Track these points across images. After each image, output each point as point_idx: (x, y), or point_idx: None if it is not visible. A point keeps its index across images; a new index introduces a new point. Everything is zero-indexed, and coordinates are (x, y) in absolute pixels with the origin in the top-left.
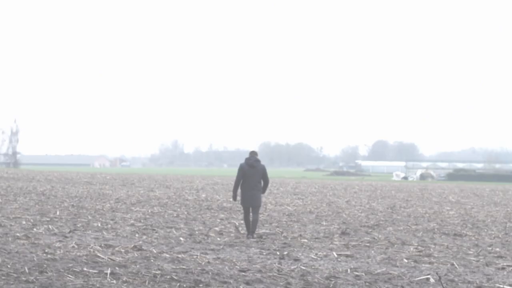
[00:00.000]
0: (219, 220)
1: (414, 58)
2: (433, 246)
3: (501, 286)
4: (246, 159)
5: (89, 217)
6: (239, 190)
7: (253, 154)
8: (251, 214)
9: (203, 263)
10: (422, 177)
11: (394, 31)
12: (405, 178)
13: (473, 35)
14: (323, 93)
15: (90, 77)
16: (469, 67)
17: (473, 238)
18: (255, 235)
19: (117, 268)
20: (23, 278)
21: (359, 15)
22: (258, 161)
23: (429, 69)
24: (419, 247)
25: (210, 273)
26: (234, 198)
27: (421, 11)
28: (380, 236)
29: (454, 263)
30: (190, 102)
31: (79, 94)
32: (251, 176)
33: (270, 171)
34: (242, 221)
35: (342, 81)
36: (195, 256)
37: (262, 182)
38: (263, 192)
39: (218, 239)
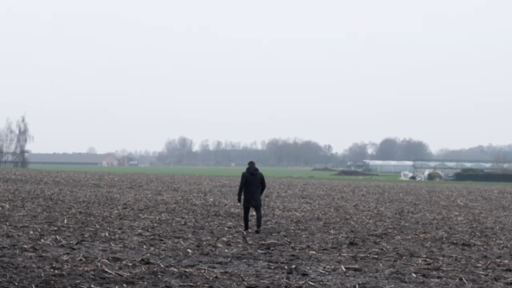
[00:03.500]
0: (226, 229)
1: (421, 56)
2: (441, 258)
3: None
4: (247, 168)
5: (97, 226)
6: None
7: (252, 164)
8: (253, 213)
9: (210, 278)
10: (430, 177)
11: (400, 29)
12: (413, 178)
13: (482, 33)
14: (331, 92)
15: (98, 75)
16: (477, 66)
17: (481, 248)
18: (260, 227)
19: (124, 285)
20: None
21: (367, 12)
22: (257, 169)
23: (437, 68)
24: (428, 259)
25: None
26: (239, 200)
27: (431, 8)
28: (388, 246)
29: (463, 277)
30: (197, 100)
31: (86, 93)
32: (252, 182)
33: (278, 170)
34: (250, 230)
35: (350, 80)
36: (202, 270)
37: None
38: (260, 194)
39: (226, 250)
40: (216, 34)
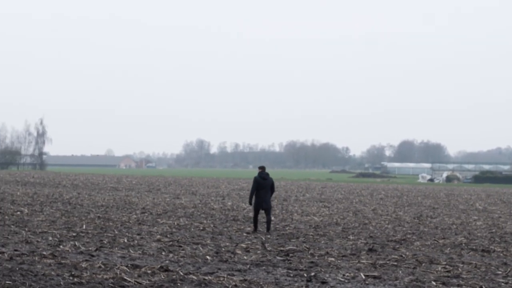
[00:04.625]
0: (245, 235)
1: (439, 57)
2: (461, 265)
3: None
4: (259, 173)
5: (115, 231)
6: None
7: (262, 169)
8: (264, 216)
9: (230, 286)
10: (448, 179)
11: (416, 29)
12: (431, 180)
13: (497, 32)
14: (349, 94)
15: (116, 77)
16: (495, 67)
17: (501, 254)
18: (270, 231)
19: None
20: None
21: (383, 12)
22: (268, 174)
23: (455, 69)
24: (447, 266)
25: None
26: (250, 203)
27: (446, 8)
28: (407, 253)
29: (483, 286)
30: (215, 103)
31: (104, 95)
32: (264, 186)
33: (295, 173)
34: (269, 236)
35: (368, 81)
36: (222, 278)
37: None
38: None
39: (245, 257)
40: (229, 34)
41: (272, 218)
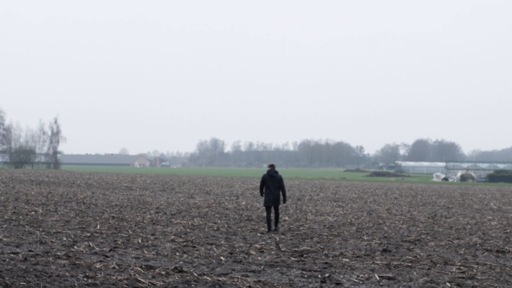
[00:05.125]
0: (259, 235)
1: (454, 55)
2: (476, 266)
3: None
4: (268, 171)
5: (130, 232)
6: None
7: (272, 167)
8: (272, 214)
9: (243, 287)
10: (463, 178)
11: (430, 27)
12: (446, 179)
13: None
14: (363, 93)
15: (131, 78)
16: (509, 65)
17: None
18: (277, 226)
19: None
20: None
21: (397, 11)
22: (276, 172)
23: (469, 67)
24: (462, 267)
25: None
26: (261, 194)
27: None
28: (422, 254)
29: (498, 287)
30: (229, 102)
31: (118, 94)
32: (272, 184)
33: (310, 171)
34: (283, 236)
35: (382, 80)
36: (236, 279)
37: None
38: (284, 201)
39: (259, 258)
40: (246, 34)
41: (287, 218)
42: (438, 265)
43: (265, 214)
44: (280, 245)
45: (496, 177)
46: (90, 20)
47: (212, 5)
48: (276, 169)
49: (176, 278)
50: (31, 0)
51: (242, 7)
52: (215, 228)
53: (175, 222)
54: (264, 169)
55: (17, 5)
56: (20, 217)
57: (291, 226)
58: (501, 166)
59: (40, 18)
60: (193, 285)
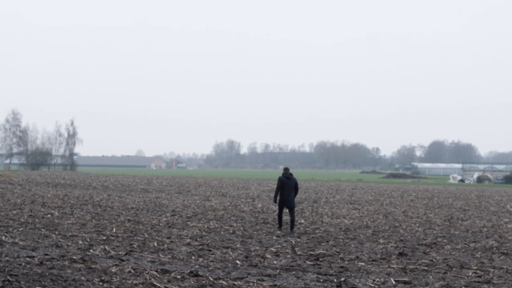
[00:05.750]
0: (275, 238)
1: (468, 57)
2: (492, 270)
3: None
4: (283, 173)
5: (145, 235)
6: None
7: (286, 169)
8: (286, 215)
9: None
10: (479, 180)
11: (446, 28)
12: (462, 181)
13: None
14: (379, 94)
15: (146, 78)
16: None
17: None
18: (293, 228)
19: None
20: None
21: (411, 11)
22: (292, 174)
23: (486, 67)
24: (478, 271)
25: None
26: (275, 201)
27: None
28: (438, 257)
29: None
30: (245, 103)
31: (135, 96)
32: (288, 186)
33: (326, 173)
34: (298, 239)
35: (398, 81)
36: (251, 284)
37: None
38: (294, 196)
39: (275, 262)
40: (259, 36)
41: (302, 220)
42: (454, 269)
43: (286, 217)
44: (296, 249)
45: None
46: (106, 24)
47: (237, 7)
48: (292, 170)
49: (192, 282)
50: (52, 6)
51: (250, 10)
52: (231, 231)
53: (191, 225)
54: (280, 171)
55: (36, 10)
56: (36, 220)
57: (307, 229)
58: None
59: (58, 23)
60: None
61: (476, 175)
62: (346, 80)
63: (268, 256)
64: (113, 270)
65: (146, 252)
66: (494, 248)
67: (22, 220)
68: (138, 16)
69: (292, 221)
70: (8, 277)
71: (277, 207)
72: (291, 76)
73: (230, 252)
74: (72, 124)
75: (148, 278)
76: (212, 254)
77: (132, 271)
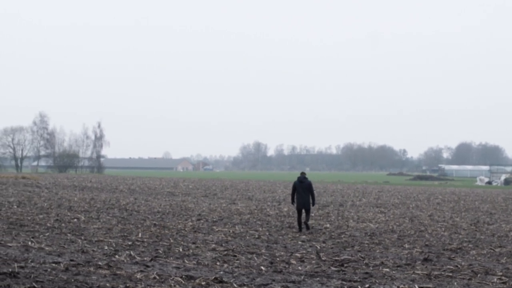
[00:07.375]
0: (300, 243)
1: (496, 58)
2: None
3: None
4: (298, 177)
5: (171, 240)
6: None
7: (303, 174)
8: (303, 216)
9: None
10: (507, 182)
11: (471, 27)
12: (489, 183)
13: None
14: (407, 95)
15: (174, 81)
16: None
17: None
18: (309, 229)
19: None
20: None
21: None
22: (306, 178)
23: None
24: (503, 277)
25: None
26: (292, 203)
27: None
28: (463, 263)
29: None
30: (272, 105)
31: (161, 99)
32: (301, 189)
33: (353, 175)
34: (324, 244)
35: (425, 82)
36: None
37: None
38: (313, 203)
39: (299, 268)
40: (285, 39)
41: (328, 225)
42: (479, 275)
43: (312, 221)
44: (321, 254)
45: None
46: (137, 26)
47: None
48: (319, 173)
49: None
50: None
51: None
52: (256, 236)
53: (217, 229)
54: (308, 174)
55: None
56: (63, 224)
57: (332, 233)
58: None
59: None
60: None
61: (503, 177)
62: (373, 81)
63: (293, 261)
64: (138, 277)
65: (171, 258)
66: None
67: (48, 224)
68: (170, 19)
69: (307, 219)
70: (34, 283)
71: (296, 210)
72: (317, 77)
73: (255, 258)
74: (99, 126)
75: (172, 284)
76: (237, 259)
77: (157, 277)
